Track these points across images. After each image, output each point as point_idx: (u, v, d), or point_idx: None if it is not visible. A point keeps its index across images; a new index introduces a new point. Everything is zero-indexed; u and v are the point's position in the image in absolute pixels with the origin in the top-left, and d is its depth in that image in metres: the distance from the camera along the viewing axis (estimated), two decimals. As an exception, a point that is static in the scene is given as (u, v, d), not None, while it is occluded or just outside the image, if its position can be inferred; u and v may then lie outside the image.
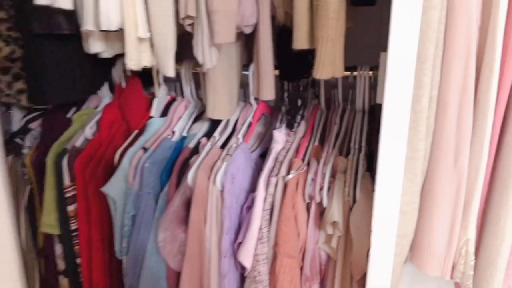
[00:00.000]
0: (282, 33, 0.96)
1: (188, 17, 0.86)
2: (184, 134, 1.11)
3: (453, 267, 0.87)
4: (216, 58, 0.88)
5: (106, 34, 0.96)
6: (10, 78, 1.07)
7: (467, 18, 0.73)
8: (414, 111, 0.75)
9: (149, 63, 0.94)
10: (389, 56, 0.67)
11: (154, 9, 0.88)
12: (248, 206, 0.98)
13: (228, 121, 1.10)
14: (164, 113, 1.15)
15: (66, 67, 1.03)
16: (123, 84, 1.17)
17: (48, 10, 0.88)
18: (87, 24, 0.89)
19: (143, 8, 0.88)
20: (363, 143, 1.01)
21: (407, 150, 0.76)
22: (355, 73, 1.05)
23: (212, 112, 1.05)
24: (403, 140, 0.74)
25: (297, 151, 1.02)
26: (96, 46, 0.96)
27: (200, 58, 0.87)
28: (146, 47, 0.93)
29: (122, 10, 0.87)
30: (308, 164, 0.98)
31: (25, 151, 1.13)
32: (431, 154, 0.82)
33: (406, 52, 0.68)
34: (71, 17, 0.92)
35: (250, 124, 1.08)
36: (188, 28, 0.89)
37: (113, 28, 0.87)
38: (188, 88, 1.15)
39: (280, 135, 1.04)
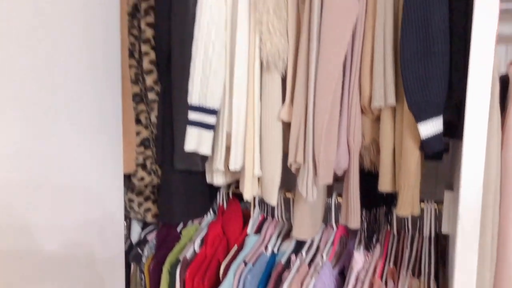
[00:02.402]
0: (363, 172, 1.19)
1: (296, 162, 1.10)
2: (275, 250, 1.31)
3: None
4: (316, 193, 1.09)
5: (226, 170, 1.23)
6: (142, 199, 1.34)
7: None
8: (480, 246, 0.94)
9: (257, 194, 1.19)
10: (459, 206, 0.89)
11: (267, 155, 1.14)
12: (331, 318, 1.14)
13: (312, 241, 1.31)
14: (257, 229, 1.37)
15: (191, 192, 1.28)
16: (225, 206, 1.42)
17: (189, 152, 1.16)
18: (219, 165, 1.16)
19: (259, 154, 1.15)
20: (432, 267, 1.18)
21: (476, 279, 0.93)
22: (422, 205, 1.24)
23: (298, 233, 1.24)
24: (473, 272, 0.91)
25: (374, 270, 1.20)
26: (219, 179, 1.23)
27: (304, 193, 1.08)
28: (257, 182, 1.18)
29: (244, 156, 1.14)
30: (386, 283, 1.15)
31: (143, 259, 1.34)
32: (495, 282, 0.98)
33: (472, 204, 0.89)
34: (205, 158, 1.20)
35: (332, 244, 1.28)
36: (294, 170, 1.13)
37: (238, 169, 1.14)
38: (278, 210, 1.38)
39: (360, 256, 1.22)
